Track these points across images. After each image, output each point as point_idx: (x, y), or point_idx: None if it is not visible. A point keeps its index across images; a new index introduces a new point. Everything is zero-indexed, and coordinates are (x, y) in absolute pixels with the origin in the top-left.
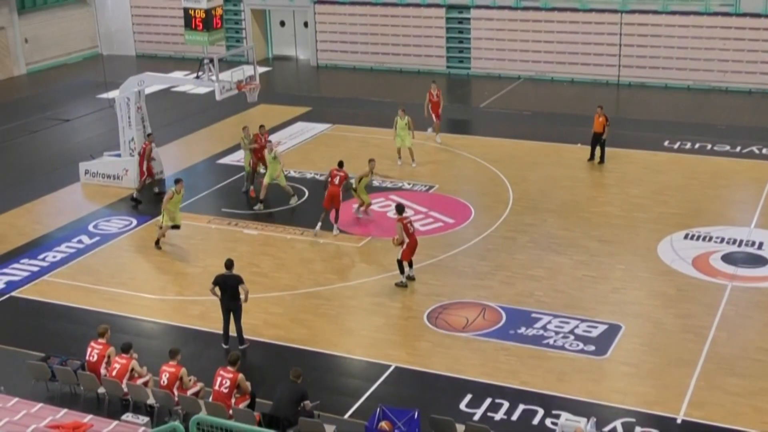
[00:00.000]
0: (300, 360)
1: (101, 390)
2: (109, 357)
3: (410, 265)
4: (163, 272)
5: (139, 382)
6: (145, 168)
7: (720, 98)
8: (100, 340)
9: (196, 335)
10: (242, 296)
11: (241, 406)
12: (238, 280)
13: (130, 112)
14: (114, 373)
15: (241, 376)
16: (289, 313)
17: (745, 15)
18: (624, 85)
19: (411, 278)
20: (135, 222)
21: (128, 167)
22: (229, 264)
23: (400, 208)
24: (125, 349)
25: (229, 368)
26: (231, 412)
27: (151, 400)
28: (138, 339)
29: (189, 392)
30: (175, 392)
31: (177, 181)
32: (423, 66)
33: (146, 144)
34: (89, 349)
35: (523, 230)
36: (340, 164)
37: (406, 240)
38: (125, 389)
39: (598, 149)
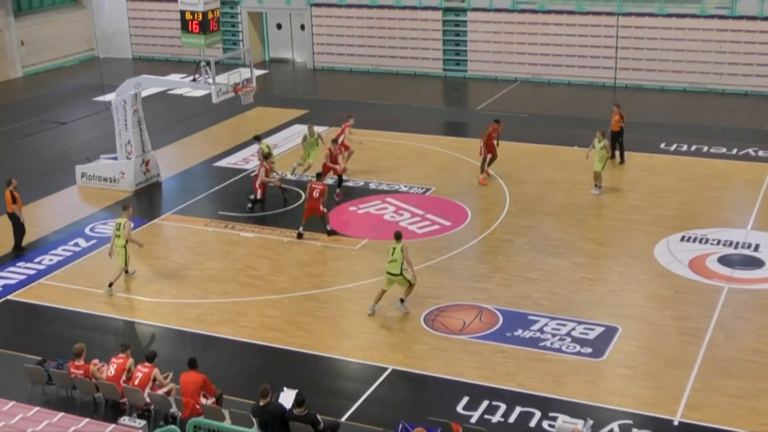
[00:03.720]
0: (297, 363)
1: (98, 394)
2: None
3: None
4: (160, 275)
5: (161, 391)
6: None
7: (716, 100)
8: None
9: (193, 338)
10: None
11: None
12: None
13: (126, 114)
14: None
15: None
16: (286, 316)
17: (741, 17)
18: (620, 88)
19: None
20: (132, 225)
21: (125, 170)
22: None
23: None
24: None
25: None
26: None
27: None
28: (135, 342)
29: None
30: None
31: None
32: (420, 69)
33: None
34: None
35: (520, 233)
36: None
37: None
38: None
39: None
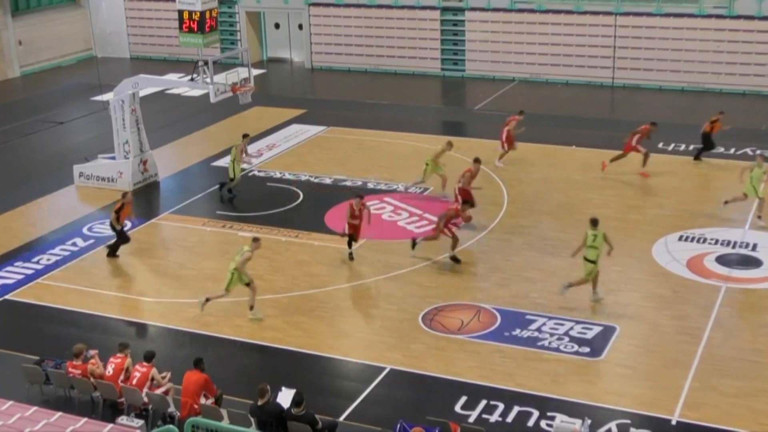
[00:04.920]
0: (295, 362)
1: (96, 393)
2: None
3: None
4: (159, 275)
5: (159, 391)
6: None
7: (714, 100)
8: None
9: (191, 338)
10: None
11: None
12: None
13: (124, 114)
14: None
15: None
16: (285, 316)
17: (738, 17)
18: (618, 87)
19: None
20: (129, 225)
21: (123, 169)
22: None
23: None
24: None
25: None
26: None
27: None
28: (133, 341)
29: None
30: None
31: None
32: (418, 68)
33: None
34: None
35: (518, 232)
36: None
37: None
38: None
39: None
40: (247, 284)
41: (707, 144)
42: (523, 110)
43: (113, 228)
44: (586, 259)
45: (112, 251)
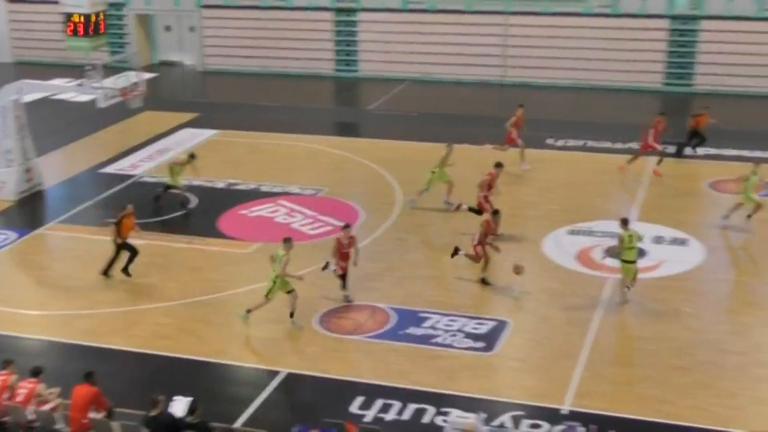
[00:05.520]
0: (190, 370)
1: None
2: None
3: None
4: (45, 286)
5: (47, 407)
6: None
7: (602, 96)
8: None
9: (84, 351)
10: None
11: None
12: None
13: (6, 121)
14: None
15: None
16: (178, 323)
17: (622, 15)
18: (509, 85)
19: None
20: (16, 236)
21: (6, 179)
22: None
23: None
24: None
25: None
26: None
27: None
28: (20, 357)
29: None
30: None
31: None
32: (311, 69)
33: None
34: None
35: (412, 231)
36: None
37: None
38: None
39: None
40: (289, 292)
41: (698, 138)
42: (522, 103)
43: (117, 245)
44: (624, 261)
45: (126, 269)
